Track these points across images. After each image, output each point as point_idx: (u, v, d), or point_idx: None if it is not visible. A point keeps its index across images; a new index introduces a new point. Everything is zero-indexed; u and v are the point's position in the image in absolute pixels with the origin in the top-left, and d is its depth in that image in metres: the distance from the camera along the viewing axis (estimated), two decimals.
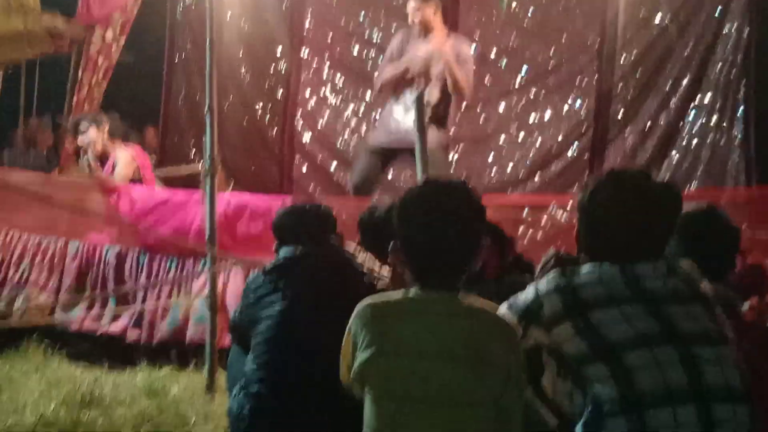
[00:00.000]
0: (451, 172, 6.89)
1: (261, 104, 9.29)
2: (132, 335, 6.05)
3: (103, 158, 7.06)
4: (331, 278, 3.55)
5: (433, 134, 6.33)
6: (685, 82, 8.31)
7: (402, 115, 6.79)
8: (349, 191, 7.09)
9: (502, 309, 2.63)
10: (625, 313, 2.45)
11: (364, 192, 6.87)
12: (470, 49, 6.97)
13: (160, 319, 5.97)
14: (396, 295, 2.51)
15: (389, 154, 6.98)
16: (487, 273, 3.55)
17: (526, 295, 2.61)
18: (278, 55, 9.28)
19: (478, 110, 8.88)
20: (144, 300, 6.02)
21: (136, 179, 6.92)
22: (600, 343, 2.42)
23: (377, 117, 7.42)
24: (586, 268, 2.57)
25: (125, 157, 6.96)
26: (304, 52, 9.24)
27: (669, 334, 2.42)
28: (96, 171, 6.87)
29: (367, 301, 2.50)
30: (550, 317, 2.50)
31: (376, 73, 7.19)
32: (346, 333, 2.52)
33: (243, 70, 9.24)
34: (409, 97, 6.72)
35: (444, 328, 2.41)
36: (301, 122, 9.21)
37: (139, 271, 6.20)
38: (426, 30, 6.83)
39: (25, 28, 7.84)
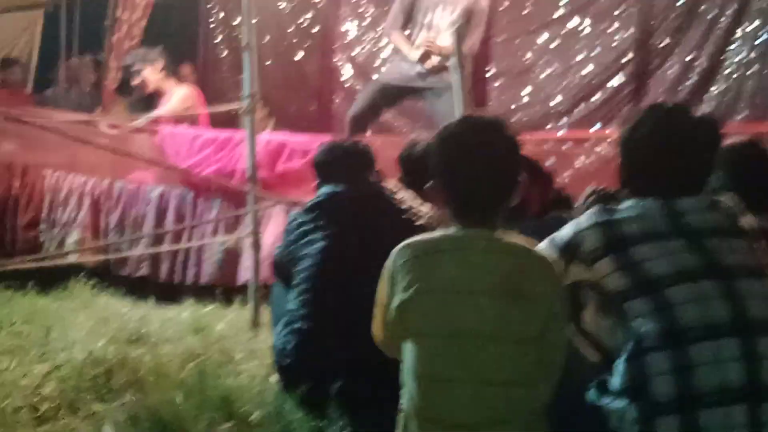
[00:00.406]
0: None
1: (299, 39, 9.26)
2: (178, 276, 6.14)
3: (157, 95, 7.08)
4: (371, 215, 3.57)
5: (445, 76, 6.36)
6: (729, 10, 8.13)
7: (415, 60, 6.65)
8: (347, 120, 6.93)
9: (543, 245, 2.64)
10: (666, 247, 2.46)
11: (360, 123, 6.75)
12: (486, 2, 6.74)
13: (206, 259, 6.04)
14: (434, 234, 2.51)
15: (396, 93, 6.84)
16: (527, 210, 3.55)
17: (567, 231, 2.61)
18: None
19: (518, 42, 8.77)
20: (189, 239, 6.07)
21: (192, 117, 6.94)
22: (641, 278, 2.43)
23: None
24: (627, 204, 2.58)
25: (183, 93, 6.98)
26: None
27: (711, 268, 2.42)
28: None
29: (405, 242, 2.49)
30: (591, 253, 2.51)
31: (390, 16, 7.06)
32: (381, 279, 2.52)
33: (281, 4, 9.19)
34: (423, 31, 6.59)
35: (485, 264, 2.41)
36: (339, 56, 9.17)
37: (184, 210, 6.26)
38: None
39: None
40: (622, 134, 2.66)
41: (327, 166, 3.88)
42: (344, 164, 3.82)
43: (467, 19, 6.56)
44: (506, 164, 2.49)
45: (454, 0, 6.56)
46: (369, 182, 3.75)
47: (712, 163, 2.65)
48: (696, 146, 2.57)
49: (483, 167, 2.45)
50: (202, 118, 7.05)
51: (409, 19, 6.78)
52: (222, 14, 9.10)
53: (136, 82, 7.08)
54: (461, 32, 4.28)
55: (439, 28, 6.57)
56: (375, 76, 8.28)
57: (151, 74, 6.97)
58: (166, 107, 6.82)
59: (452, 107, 6.18)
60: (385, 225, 3.46)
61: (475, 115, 2.60)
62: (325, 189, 3.74)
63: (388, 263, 2.49)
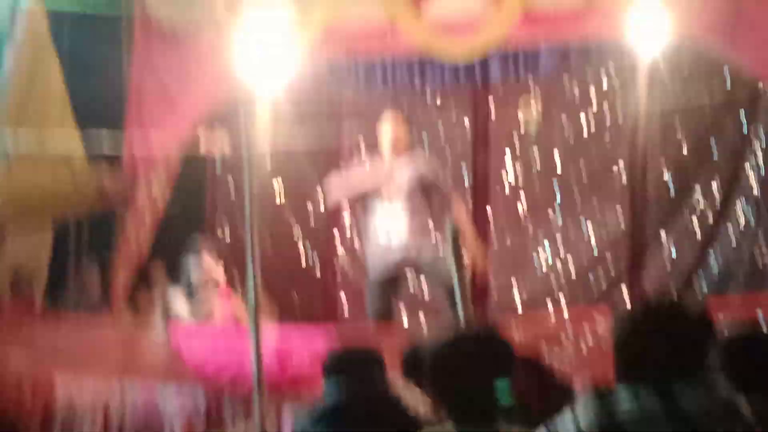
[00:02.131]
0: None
1: (300, 233, 9.45)
2: None
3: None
4: (376, 421, 3.63)
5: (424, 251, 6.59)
6: (717, 189, 8.37)
7: (386, 239, 6.86)
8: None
9: None
10: None
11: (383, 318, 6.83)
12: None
13: None
14: None
15: (394, 279, 6.98)
16: (529, 405, 3.60)
17: (565, 426, 2.67)
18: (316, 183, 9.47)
19: (513, 228, 8.99)
20: None
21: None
22: None
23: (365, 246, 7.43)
24: (622, 394, 2.65)
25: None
26: None
27: None
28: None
29: None
30: None
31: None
32: None
33: (280, 200, 9.41)
34: (381, 217, 6.86)
35: None
36: (340, 248, 9.35)
37: (198, 411, 6.25)
38: (396, 152, 6.94)
39: (74, 187, 8.11)
40: (616, 335, 2.75)
41: (335, 372, 3.96)
42: (351, 370, 3.90)
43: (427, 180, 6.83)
44: (500, 377, 2.58)
45: (402, 170, 6.88)
46: (375, 387, 3.81)
47: (707, 355, 2.74)
48: (693, 340, 2.66)
49: (476, 386, 2.54)
50: None
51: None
52: (225, 219, 9.32)
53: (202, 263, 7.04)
54: (455, 235, 4.39)
55: (391, 197, 6.89)
56: None
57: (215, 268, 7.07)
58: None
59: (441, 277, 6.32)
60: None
61: (465, 334, 2.70)
62: (332, 396, 3.81)
63: None
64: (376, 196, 6.89)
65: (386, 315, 6.85)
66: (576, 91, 8.85)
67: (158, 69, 8.07)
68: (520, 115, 6.61)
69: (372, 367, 3.90)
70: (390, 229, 6.84)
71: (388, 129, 6.94)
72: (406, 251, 6.74)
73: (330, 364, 4.00)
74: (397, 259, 6.79)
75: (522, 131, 6.98)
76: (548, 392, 3.79)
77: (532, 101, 6.74)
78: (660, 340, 2.64)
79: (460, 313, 4.27)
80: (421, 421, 3.59)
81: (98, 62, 8.46)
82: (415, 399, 3.74)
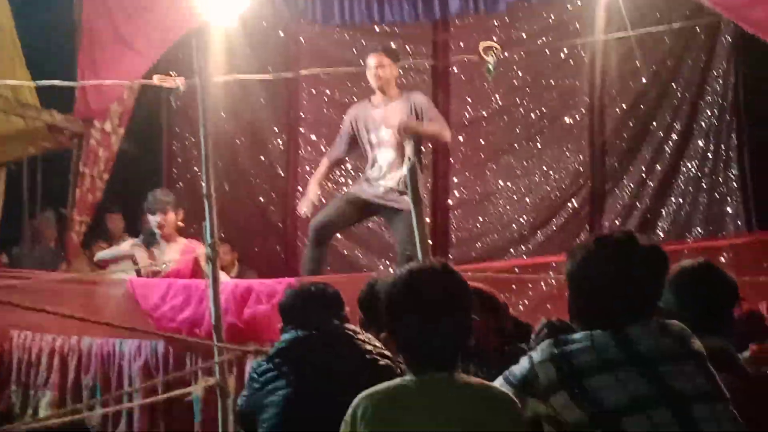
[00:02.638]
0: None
1: (261, 182, 9.37)
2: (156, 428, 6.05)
3: (164, 239, 6.97)
4: (334, 360, 3.59)
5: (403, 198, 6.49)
6: (676, 129, 8.36)
7: (377, 176, 6.80)
8: (310, 231, 6.93)
9: (499, 382, 2.67)
10: (619, 377, 2.50)
11: (324, 233, 6.80)
12: (424, 96, 7.02)
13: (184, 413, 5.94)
14: (392, 383, 2.53)
15: (366, 209, 6.94)
16: (485, 343, 3.58)
17: (521, 366, 2.65)
18: (276, 132, 9.38)
19: (475, 172, 8.93)
20: (164, 392, 5.96)
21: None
22: (596, 410, 2.46)
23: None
24: (578, 336, 2.62)
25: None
26: (302, 128, 9.33)
27: (664, 395, 2.46)
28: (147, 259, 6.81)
29: (363, 393, 2.51)
30: (546, 387, 2.55)
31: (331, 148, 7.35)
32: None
33: (242, 150, 9.32)
34: (382, 160, 6.79)
35: (444, 409, 2.44)
36: (301, 198, 9.26)
37: (156, 362, 6.20)
38: (384, 92, 6.83)
39: (25, 125, 7.96)
40: (570, 268, 2.72)
41: (293, 310, 3.91)
42: (310, 308, 3.85)
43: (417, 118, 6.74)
44: (456, 313, 2.54)
45: (394, 115, 6.72)
46: (332, 326, 3.77)
47: (661, 290, 2.72)
48: (644, 277, 2.65)
49: (433, 320, 2.49)
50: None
51: (350, 147, 7.03)
52: (184, 163, 9.22)
53: (159, 219, 6.96)
54: (414, 175, 4.34)
55: (386, 144, 6.77)
56: None
57: (174, 219, 6.94)
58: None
59: (410, 229, 6.29)
60: (348, 369, 3.49)
61: (419, 267, 2.65)
62: (288, 335, 3.76)
63: (348, 416, 2.50)
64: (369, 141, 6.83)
65: (330, 228, 6.84)
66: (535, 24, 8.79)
67: (110, 5, 7.88)
68: (481, 54, 6.48)
69: (329, 305, 3.85)
70: (375, 169, 6.81)
71: (372, 73, 6.78)
72: (383, 191, 6.70)
73: (286, 301, 3.95)
74: (374, 194, 6.74)
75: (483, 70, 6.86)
76: (504, 329, 3.77)
77: (495, 45, 6.60)
78: (613, 272, 2.61)
79: (419, 252, 4.22)
80: (377, 360, 3.56)
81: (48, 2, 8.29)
82: (373, 340, 3.70)
